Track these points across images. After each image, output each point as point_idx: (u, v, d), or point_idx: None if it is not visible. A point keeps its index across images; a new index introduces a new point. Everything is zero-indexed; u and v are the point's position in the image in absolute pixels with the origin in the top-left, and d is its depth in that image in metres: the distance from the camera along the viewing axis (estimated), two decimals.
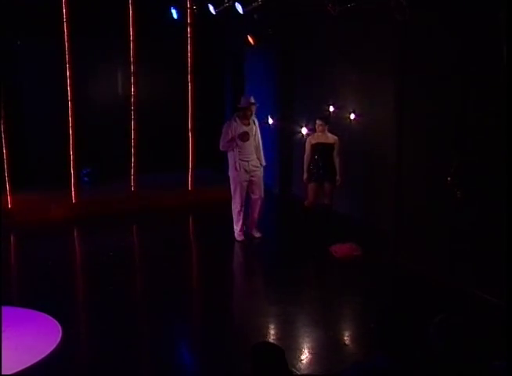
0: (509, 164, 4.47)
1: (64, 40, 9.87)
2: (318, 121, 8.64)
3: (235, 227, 8.90)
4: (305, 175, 8.69)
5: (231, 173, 8.75)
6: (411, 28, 7.22)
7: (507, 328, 3.50)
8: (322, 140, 8.59)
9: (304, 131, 8.65)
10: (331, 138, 8.61)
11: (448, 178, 6.75)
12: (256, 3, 8.94)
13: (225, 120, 9.22)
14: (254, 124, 8.75)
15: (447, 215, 7.03)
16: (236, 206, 8.82)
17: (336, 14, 7.63)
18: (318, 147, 8.57)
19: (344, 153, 8.74)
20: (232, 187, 8.81)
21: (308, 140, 8.75)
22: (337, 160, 8.60)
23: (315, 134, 8.68)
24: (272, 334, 6.12)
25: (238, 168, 8.59)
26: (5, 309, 5.82)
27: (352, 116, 9.33)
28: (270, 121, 10.81)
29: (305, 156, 8.70)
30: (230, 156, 8.70)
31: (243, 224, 8.91)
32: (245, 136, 8.51)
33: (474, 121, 6.61)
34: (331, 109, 9.67)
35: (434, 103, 7.13)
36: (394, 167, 7.88)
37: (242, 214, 8.85)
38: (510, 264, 4.00)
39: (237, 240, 8.83)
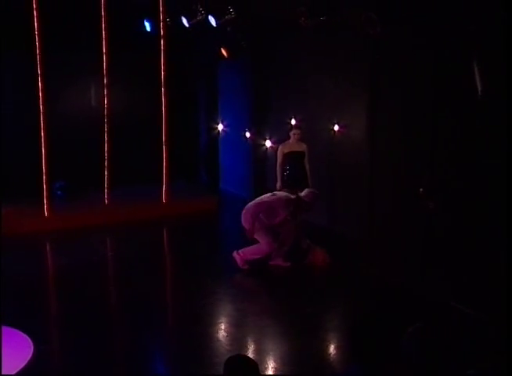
0: (484, 176, 4.52)
1: (36, 53, 9.79)
2: (296, 131, 8.87)
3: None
4: (279, 183, 8.83)
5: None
6: (383, 41, 7.30)
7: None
8: (294, 149, 8.82)
9: (268, 144, 8.71)
10: (302, 146, 8.86)
11: (421, 190, 6.82)
12: (229, 16, 8.99)
13: (199, 132, 9.07)
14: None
15: (420, 226, 7.09)
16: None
17: (309, 27, 7.70)
18: (291, 156, 8.79)
19: (313, 162, 8.85)
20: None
21: (280, 149, 8.92)
22: (307, 167, 8.85)
23: (288, 143, 8.88)
24: (246, 347, 6.08)
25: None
26: None
27: (336, 127, 9.34)
28: (247, 134, 10.85)
29: (278, 164, 8.88)
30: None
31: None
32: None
33: (446, 133, 6.69)
34: (293, 121, 9.73)
35: (407, 114, 7.21)
36: (367, 178, 7.94)
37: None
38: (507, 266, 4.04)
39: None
